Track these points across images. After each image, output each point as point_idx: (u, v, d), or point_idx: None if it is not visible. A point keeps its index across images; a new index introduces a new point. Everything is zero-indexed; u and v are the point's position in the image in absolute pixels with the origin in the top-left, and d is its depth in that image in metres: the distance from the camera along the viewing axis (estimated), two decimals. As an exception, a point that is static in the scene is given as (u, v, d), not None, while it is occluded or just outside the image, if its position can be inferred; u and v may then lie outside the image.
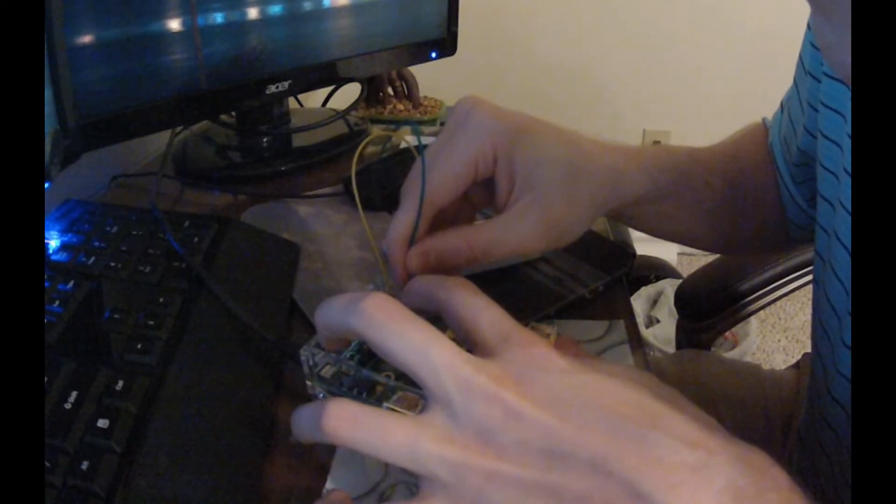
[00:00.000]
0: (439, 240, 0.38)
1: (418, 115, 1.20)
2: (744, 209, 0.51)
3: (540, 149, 0.39)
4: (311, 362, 0.37)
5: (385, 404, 0.34)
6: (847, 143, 0.40)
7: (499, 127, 0.39)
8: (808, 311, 1.87)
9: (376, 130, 0.84)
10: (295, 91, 0.71)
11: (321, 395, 0.38)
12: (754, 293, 0.77)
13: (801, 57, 0.50)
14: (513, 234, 0.38)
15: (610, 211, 0.43)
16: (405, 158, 0.61)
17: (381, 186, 0.58)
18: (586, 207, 0.40)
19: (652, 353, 1.41)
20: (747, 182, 0.51)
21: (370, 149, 0.78)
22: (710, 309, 0.78)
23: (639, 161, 0.43)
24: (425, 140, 0.80)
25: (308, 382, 0.38)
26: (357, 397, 0.36)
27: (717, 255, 0.81)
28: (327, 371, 0.37)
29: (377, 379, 0.36)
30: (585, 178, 0.40)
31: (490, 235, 0.38)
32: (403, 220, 0.37)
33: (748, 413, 0.67)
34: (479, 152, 0.38)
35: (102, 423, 0.31)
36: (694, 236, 0.52)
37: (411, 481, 0.33)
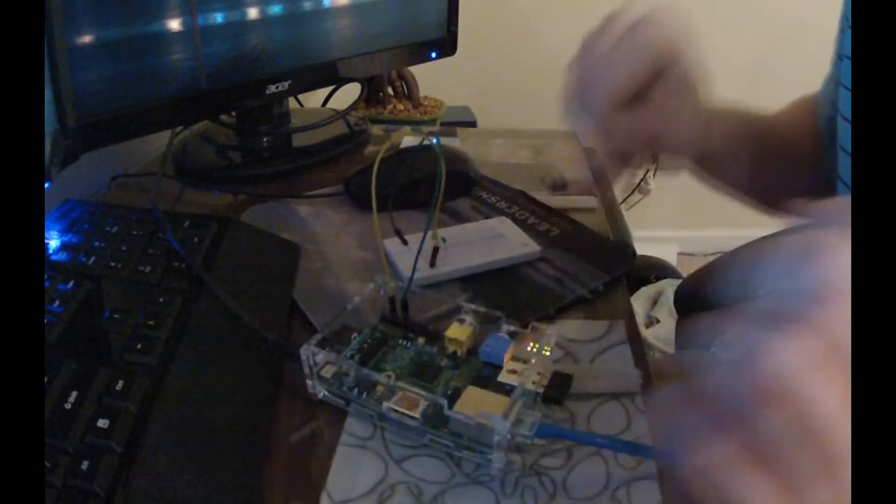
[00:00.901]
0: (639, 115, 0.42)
1: (418, 115, 1.20)
2: (799, 170, 0.56)
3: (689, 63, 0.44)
4: (311, 362, 0.37)
5: (385, 404, 0.34)
6: None
7: (673, 40, 0.44)
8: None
9: (376, 130, 0.84)
10: (295, 91, 0.71)
11: (321, 395, 0.38)
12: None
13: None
14: (690, 128, 0.44)
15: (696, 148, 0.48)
16: (405, 158, 0.61)
17: (382, 186, 0.58)
18: (695, 125, 0.45)
19: (652, 353, 1.41)
20: (801, 149, 0.56)
21: (370, 149, 0.78)
22: (711, 309, 0.78)
23: (720, 112, 0.49)
24: (419, 141, 0.80)
25: (308, 382, 0.38)
26: (358, 397, 0.36)
27: (718, 255, 0.81)
28: (328, 371, 0.37)
29: (378, 379, 0.36)
30: (700, 102, 0.45)
31: (670, 128, 0.43)
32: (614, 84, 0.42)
33: None
34: (656, 56, 0.42)
35: (102, 423, 0.31)
36: (756, 192, 0.56)
37: (411, 481, 0.34)
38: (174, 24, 0.58)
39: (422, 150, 0.63)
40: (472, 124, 1.58)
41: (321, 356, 0.37)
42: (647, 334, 1.48)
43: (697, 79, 0.44)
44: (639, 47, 0.42)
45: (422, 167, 0.58)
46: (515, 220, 0.57)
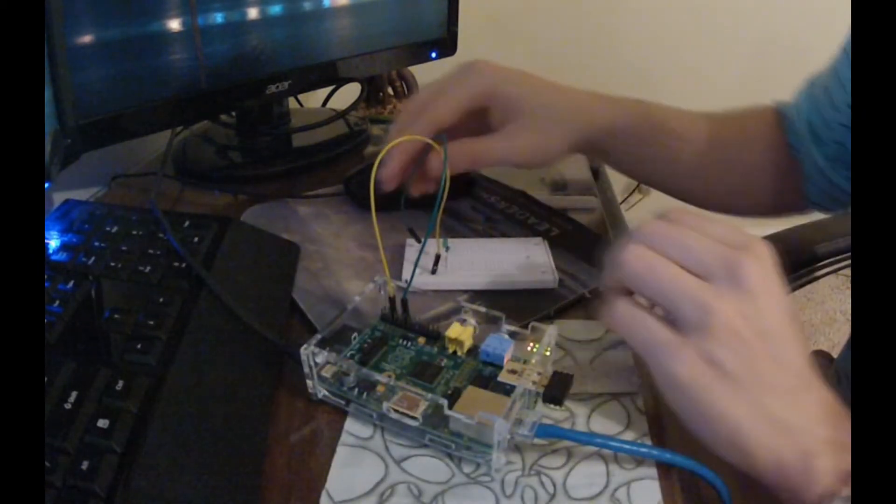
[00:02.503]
0: (457, 144, 0.49)
1: (418, 115, 1.20)
2: (733, 169, 0.58)
3: (528, 90, 0.52)
4: (311, 362, 0.37)
5: (386, 404, 0.34)
6: None
7: (496, 74, 0.52)
8: (809, 311, 1.87)
9: (376, 130, 0.84)
10: (295, 91, 0.71)
11: (321, 395, 0.38)
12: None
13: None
14: (503, 145, 0.51)
15: (584, 143, 0.53)
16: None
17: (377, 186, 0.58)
18: (562, 135, 0.52)
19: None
20: (739, 146, 0.58)
21: (370, 149, 0.78)
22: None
23: (606, 101, 0.54)
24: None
25: (308, 382, 0.38)
26: (358, 397, 0.36)
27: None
28: (328, 370, 0.37)
29: (378, 379, 0.36)
30: (561, 113, 0.52)
31: (487, 145, 0.51)
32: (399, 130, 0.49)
33: None
34: (475, 92, 0.51)
35: (102, 423, 0.31)
36: (681, 188, 0.60)
37: (411, 481, 0.34)
38: (174, 24, 0.58)
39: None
40: (472, 124, 1.58)
41: (321, 356, 0.37)
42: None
43: (530, 103, 0.51)
44: (458, 89, 0.51)
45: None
46: (515, 220, 0.57)
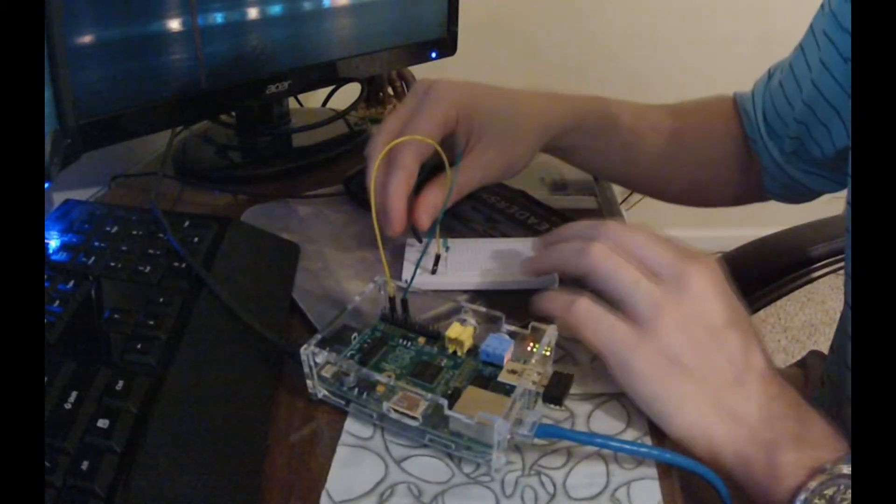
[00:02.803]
0: (431, 193, 0.48)
1: (418, 115, 1.20)
2: (692, 161, 0.59)
3: (489, 105, 0.52)
4: (311, 362, 0.37)
5: (386, 404, 0.34)
6: None
7: (457, 93, 0.51)
8: (808, 311, 1.87)
9: (376, 130, 0.84)
10: (295, 91, 0.71)
11: (321, 395, 0.38)
12: (754, 292, 0.77)
13: (818, 21, 0.53)
14: (477, 167, 0.50)
15: (547, 144, 0.54)
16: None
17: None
18: (527, 142, 0.53)
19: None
20: (698, 138, 0.59)
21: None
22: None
23: (563, 101, 0.55)
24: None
25: (308, 382, 0.38)
26: (358, 397, 0.36)
27: (717, 255, 0.81)
28: (328, 370, 0.37)
29: (378, 379, 0.36)
30: (522, 121, 0.53)
31: (463, 175, 0.49)
32: (398, 181, 0.47)
33: None
34: (446, 114, 0.50)
35: (102, 423, 0.31)
36: (642, 182, 0.62)
37: (411, 481, 0.34)
38: (174, 24, 0.58)
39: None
40: (472, 124, 1.58)
41: (321, 356, 0.37)
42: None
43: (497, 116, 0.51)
44: (431, 110, 0.50)
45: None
46: (515, 220, 0.56)
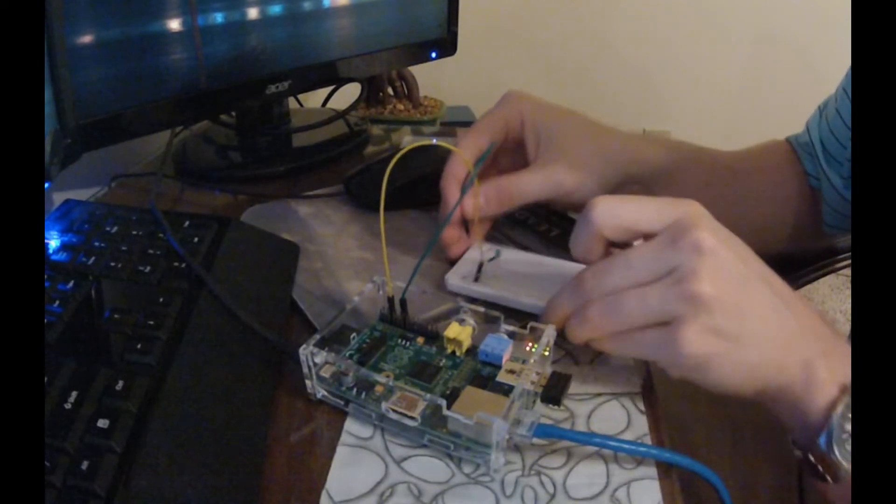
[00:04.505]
0: (487, 184, 0.48)
1: (418, 115, 1.20)
2: (758, 207, 0.57)
3: (561, 116, 0.50)
4: (310, 362, 0.37)
5: (384, 404, 0.34)
6: None
7: (526, 101, 0.50)
8: (808, 311, 1.82)
9: (376, 130, 0.84)
10: (295, 91, 0.71)
11: (320, 395, 0.38)
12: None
13: None
14: (536, 177, 0.48)
15: (631, 176, 0.51)
16: (405, 158, 0.61)
17: (381, 186, 0.58)
18: (602, 167, 0.49)
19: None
20: (762, 183, 0.57)
21: (370, 149, 0.78)
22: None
23: (649, 138, 0.53)
24: (425, 140, 0.79)
25: (307, 382, 0.38)
26: (356, 397, 0.36)
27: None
28: (327, 371, 0.37)
29: (377, 379, 0.36)
30: (600, 141, 0.50)
31: (521, 178, 0.49)
32: (453, 170, 0.48)
33: (760, 408, 0.67)
34: (508, 115, 0.50)
35: (102, 423, 0.31)
36: None
37: (411, 481, 0.34)
38: (174, 24, 0.58)
39: (422, 149, 0.63)
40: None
41: (320, 356, 0.37)
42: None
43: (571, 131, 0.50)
44: (489, 116, 0.50)
45: (422, 166, 0.58)
46: (515, 220, 0.56)
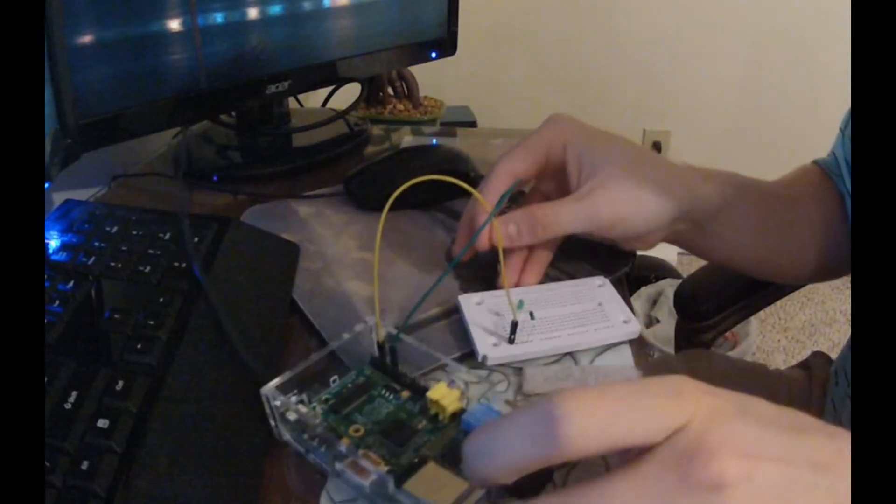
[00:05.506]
0: (519, 212, 0.44)
1: (418, 116, 1.20)
2: (793, 234, 0.53)
3: (607, 142, 0.45)
4: (273, 403, 0.34)
5: (338, 464, 0.32)
6: None
7: (569, 124, 0.46)
8: (808, 311, 1.87)
9: (376, 130, 0.84)
10: (295, 91, 0.71)
11: (286, 438, 0.35)
12: (754, 293, 0.77)
13: None
14: (576, 207, 0.44)
15: (685, 213, 0.46)
16: (405, 158, 0.61)
17: (381, 186, 0.58)
18: (650, 199, 0.44)
19: (652, 353, 1.41)
20: (796, 210, 0.53)
21: (370, 149, 0.78)
22: (710, 309, 0.78)
23: (699, 171, 0.47)
24: (426, 140, 0.80)
25: (271, 423, 0.35)
26: (316, 449, 0.34)
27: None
28: (292, 414, 0.34)
29: (341, 433, 0.33)
30: (649, 173, 0.44)
31: (557, 208, 0.44)
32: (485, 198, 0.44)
33: None
34: (550, 139, 0.46)
35: (102, 423, 0.31)
36: (750, 257, 0.54)
37: (411, 481, 0.33)
38: (174, 24, 0.58)
39: (421, 149, 0.63)
40: (472, 124, 1.58)
41: (279, 400, 0.33)
42: (647, 334, 1.48)
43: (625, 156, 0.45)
44: (530, 139, 0.47)
45: (422, 167, 0.58)
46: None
